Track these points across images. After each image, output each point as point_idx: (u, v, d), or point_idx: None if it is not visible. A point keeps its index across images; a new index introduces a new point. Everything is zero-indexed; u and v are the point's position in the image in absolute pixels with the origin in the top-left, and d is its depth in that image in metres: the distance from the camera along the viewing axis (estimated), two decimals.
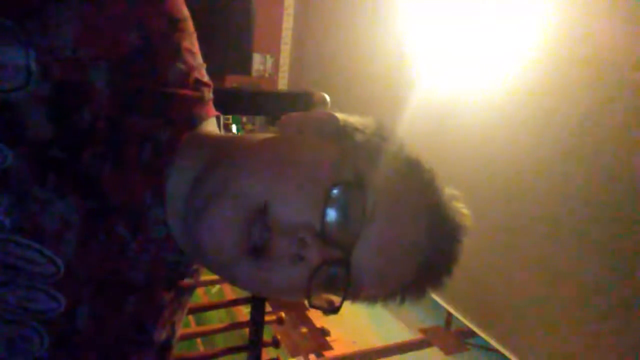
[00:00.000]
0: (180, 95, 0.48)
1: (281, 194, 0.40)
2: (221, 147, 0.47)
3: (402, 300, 0.49)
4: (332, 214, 0.40)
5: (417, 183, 0.45)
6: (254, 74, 3.33)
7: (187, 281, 0.54)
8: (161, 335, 0.52)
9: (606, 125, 1.51)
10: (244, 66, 3.20)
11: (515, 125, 1.80)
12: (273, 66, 3.42)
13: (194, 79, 0.50)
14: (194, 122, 0.49)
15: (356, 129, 0.47)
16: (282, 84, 3.46)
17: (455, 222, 0.46)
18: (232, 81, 3.24)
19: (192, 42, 0.51)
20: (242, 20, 3.06)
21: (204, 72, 0.53)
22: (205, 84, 0.52)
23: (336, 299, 0.44)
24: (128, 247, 0.45)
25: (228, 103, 0.97)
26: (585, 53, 1.55)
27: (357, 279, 0.42)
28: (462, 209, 0.47)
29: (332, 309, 0.43)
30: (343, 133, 0.47)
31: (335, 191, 0.40)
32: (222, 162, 0.43)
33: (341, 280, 0.41)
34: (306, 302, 0.43)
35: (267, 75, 3.41)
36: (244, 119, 3.25)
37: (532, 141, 1.75)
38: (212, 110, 0.53)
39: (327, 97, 0.87)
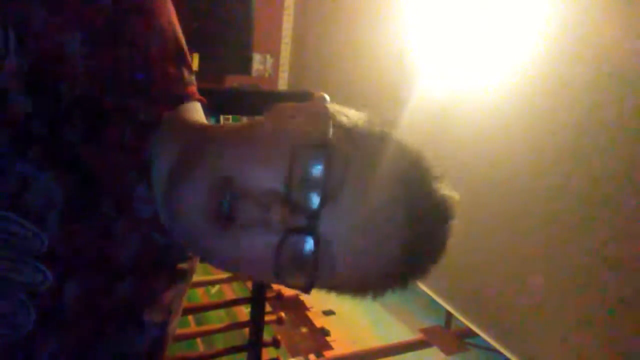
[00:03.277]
0: (159, 71, 0.48)
1: (249, 163, 0.40)
2: (202, 131, 0.48)
3: (386, 289, 0.47)
4: (295, 178, 0.39)
5: (396, 161, 0.43)
6: (254, 74, 3.32)
7: (181, 266, 0.53)
8: (156, 320, 0.51)
9: (606, 124, 1.51)
10: (244, 66, 3.20)
11: (515, 125, 1.80)
12: (273, 66, 3.42)
13: (174, 50, 0.50)
14: (174, 101, 0.49)
15: (342, 113, 0.46)
16: (282, 84, 3.46)
17: (437, 202, 0.44)
18: (232, 81, 3.24)
19: (165, 3, 0.50)
20: (242, 20, 3.06)
21: (182, 40, 0.52)
22: (186, 63, 0.52)
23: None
24: (113, 226, 0.46)
25: (228, 103, 0.97)
26: (585, 52, 1.55)
27: (329, 254, 0.40)
28: (446, 189, 0.45)
29: (304, 287, 0.42)
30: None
31: (298, 154, 0.39)
32: (199, 141, 0.45)
33: (312, 256, 0.40)
34: (276, 280, 0.42)
35: (267, 75, 3.41)
36: (244, 119, 3.25)
37: (532, 141, 1.75)
38: (194, 93, 0.53)
39: (327, 97, 0.87)
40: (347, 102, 0.51)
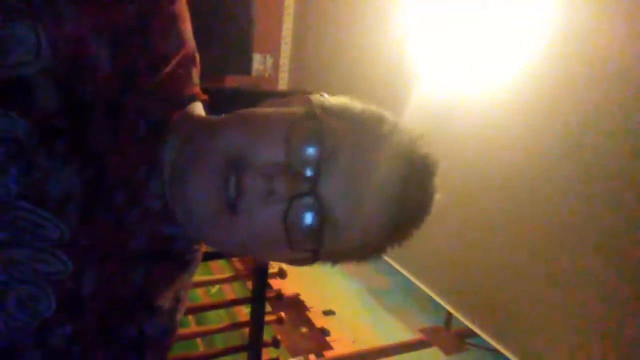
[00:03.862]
0: (173, 73, 0.51)
1: (253, 141, 0.44)
2: (207, 120, 0.52)
3: (384, 248, 0.50)
4: (294, 150, 0.44)
5: (380, 126, 0.48)
6: (254, 74, 3.32)
7: (187, 257, 0.56)
8: (166, 307, 0.54)
9: (607, 124, 1.51)
10: (244, 66, 3.19)
11: (516, 126, 1.80)
12: (273, 66, 3.42)
13: (186, 53, 0.52)
14: (183, 101, 0.53)
15: (326, 99, 0.51)
16: (282, 84, 3.46)
17: (423, 157, 0.48)
18: (232, 81, 3.23)
19: (184, 7, 0.53)
20: (242, 20, 3.06)
21: (193, 42, 0.55)
22: (194, 64, 0.55)
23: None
24: (126, 218, 0.48)
25: (228, 103, 0.97)
26: (587, 53, 1.56)
27: (331, 215, 0.44)
28: (426, 147, 0.49)
29: (312, 255, 0.47)
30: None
31: (294, 128, 0.44)
32: (205, 127, 0.49)
33: (316, 218, 0.44)
34: (289, 250, 0.45)
35: (267, 75, 3.41)
36: None
37: (533, 141, 1.75)
38: (199, 93, 0.56)
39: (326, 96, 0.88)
40: None
